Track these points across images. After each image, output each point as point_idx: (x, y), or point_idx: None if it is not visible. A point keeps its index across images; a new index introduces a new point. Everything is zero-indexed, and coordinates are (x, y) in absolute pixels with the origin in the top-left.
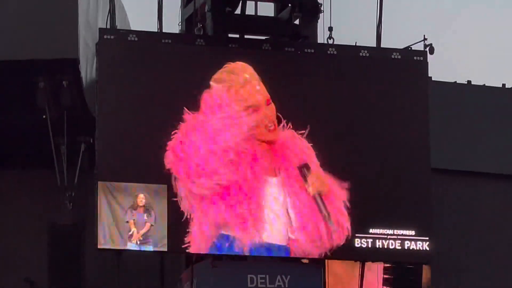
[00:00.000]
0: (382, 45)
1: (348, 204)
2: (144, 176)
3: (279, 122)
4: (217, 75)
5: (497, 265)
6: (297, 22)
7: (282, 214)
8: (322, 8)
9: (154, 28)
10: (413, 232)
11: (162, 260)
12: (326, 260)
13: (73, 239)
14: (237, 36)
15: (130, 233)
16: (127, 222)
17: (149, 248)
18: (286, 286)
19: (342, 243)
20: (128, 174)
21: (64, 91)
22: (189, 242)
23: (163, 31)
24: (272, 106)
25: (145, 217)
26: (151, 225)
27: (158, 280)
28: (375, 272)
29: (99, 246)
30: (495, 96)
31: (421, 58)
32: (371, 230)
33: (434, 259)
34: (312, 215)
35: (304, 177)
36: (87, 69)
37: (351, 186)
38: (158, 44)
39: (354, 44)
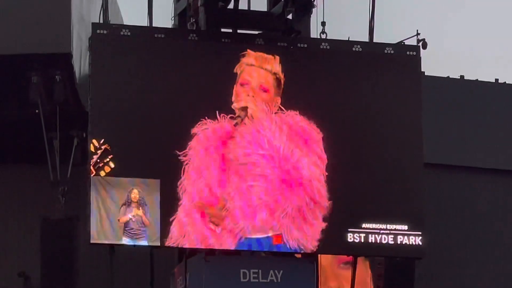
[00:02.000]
0: (375, 40)
1: None
2: (137, 171)
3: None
4: None
5: (491, 259)
6: (290, 17)
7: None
8: (315, 3)
9: (146, 23)
10: (406, 227)
11: (151, 254)
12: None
13: (65, 234)
14: (230, 30)
15: (128, 227)
16: (119, 220)
17: (144, 243)
18: (279, 280)
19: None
20: (121, 168)
21: (57, 85)
22: (183, 237)
23: (156, 26)
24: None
25: (140, 213)
26: (148, 221)
27: (149, 275)
28: (367, 267)
29: (92, 241)
30: (488, 91)
31: (414, 53)
32: (363, 225)
33: (427, 253)
34: None
35: None
36: (81, 63)
37: (343, 181)
38: (151, 39)
39: (347, 39)
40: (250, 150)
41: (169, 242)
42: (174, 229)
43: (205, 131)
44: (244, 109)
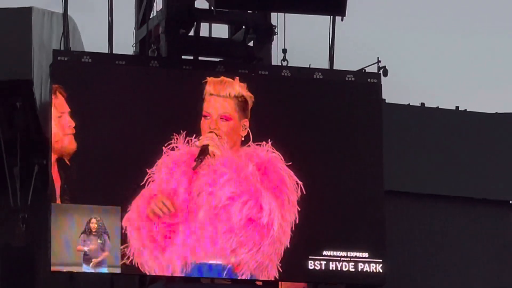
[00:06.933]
0: (337, 68)
1: None
2: (98, 198)
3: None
4: None
5: (450, 286)
6: (251, 44)
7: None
8: (276, 30)
9: (107, 49)
10: (366, 254)
11: (112, 282)
12: (280, 282)
13: (26, 261)
14: (191, 57)
15: (87, 256)
16: (78, 249)
17: (104, 270)
18: None
19: None
20: (82, 196)
21: (17, 112)
22: (142, 264)
23: (117, 52)
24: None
25: (99, 241)
26: (107, 249)
27: None
28: None
29: (52, 269)
30: (448, 119)
31: (375, 80)
32: (324, 252)
33: (388, 281)
34: None
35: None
36: (41, 90)
37: (304, 208)
38: (112, 66)
39: (308, 66)
40: (214, 188)
41: (128, 270)
42: (132, 255)
43: (172, 153)
44: (205, 147)
